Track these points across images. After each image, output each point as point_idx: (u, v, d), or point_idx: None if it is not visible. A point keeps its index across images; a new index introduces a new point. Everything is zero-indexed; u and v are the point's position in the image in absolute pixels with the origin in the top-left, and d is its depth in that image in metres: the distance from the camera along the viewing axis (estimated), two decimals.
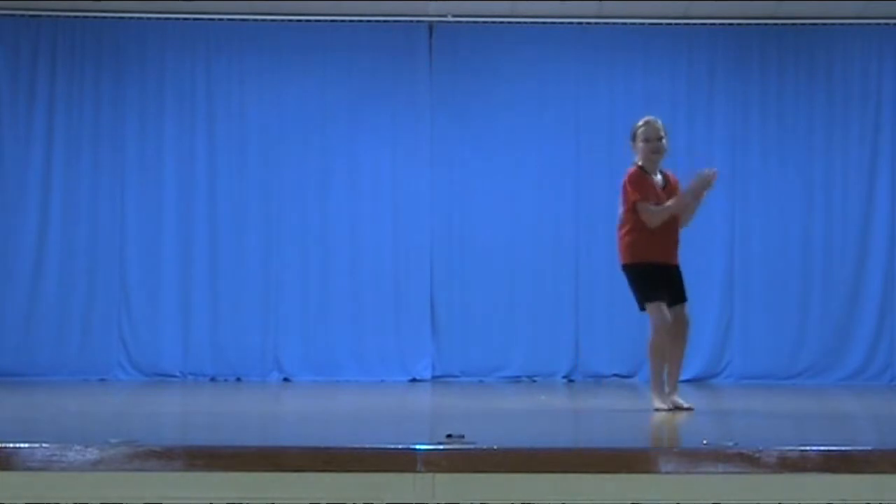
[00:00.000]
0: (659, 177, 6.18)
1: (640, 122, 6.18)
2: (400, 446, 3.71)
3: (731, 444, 3.80)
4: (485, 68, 9.15)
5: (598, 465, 3.67)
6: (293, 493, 3.64)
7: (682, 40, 9.22)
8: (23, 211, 8.99)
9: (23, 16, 9.06)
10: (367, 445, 3.78)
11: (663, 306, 6.02)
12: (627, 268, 6.19)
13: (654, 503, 3.65)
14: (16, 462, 3.66)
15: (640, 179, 6.11)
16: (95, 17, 9.08)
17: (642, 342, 8.97)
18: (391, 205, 9.09)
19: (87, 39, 9.11)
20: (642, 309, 6.12)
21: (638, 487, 3.66)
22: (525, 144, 9.13)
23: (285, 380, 8.95)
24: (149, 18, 9.09)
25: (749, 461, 3.67)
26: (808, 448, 3.73)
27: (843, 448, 3.76)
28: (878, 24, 9.14)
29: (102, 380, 8.79)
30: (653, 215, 6.02)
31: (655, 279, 6.08)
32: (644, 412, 6.57)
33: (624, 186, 6.12)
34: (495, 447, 3.73)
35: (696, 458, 3.69)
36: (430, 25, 9.18)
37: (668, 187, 6.17)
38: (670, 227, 6.12)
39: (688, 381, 8.96)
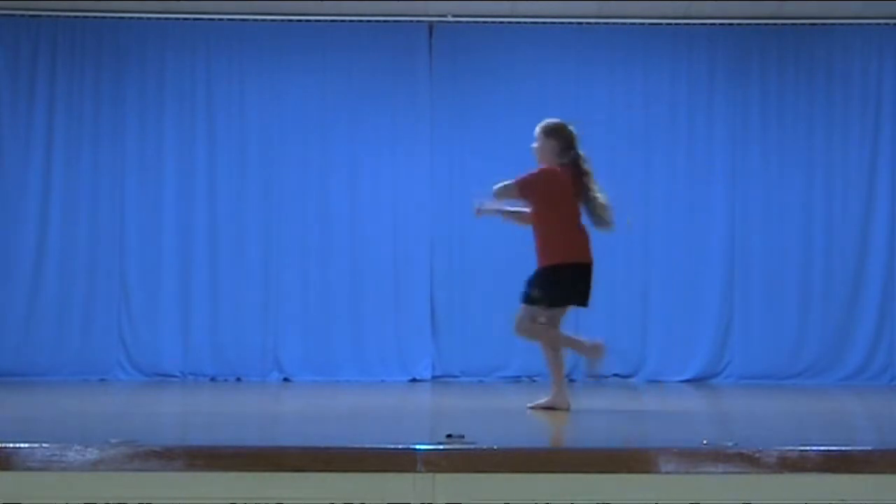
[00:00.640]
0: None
1: (566, 123, 6.30)
2: (400, 446, 3.71)
3: (730, 444, 3.80)
4: (485, 68, 9.15)
5: (598, 465, 3.67)
6: (293, 493, 3.64)
7: (682, 40, 9.22)
8: (23, 211, 8.99)
9: (23, 16, 9.06)
10: (367, 445, 3.78)
11: (561, 311, 6.30)
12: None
13: (653, 503, 3.65)
14: (16, 462, 3.66)
15: (552, 176, 6.30)
16: (95, 17, 9.08)
17: (642, 342, 9.07)
18: (391, 205, 9.09)
19: (87, 39, 9.11)
20: (531, 303, 6.18)
21: (638, 487, 3.66)
22: (525, 145, 9.06)
23: (285, 380, 8.95)
24: (149, 18, 9.08)
25: (749, 461, 3.67)
26: (807, 448, 3.73)
27: (842, 448, 3.76)
28: (879, 24, 9.14)
29: (102, 380, 8.79)
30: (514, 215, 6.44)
31: (571, 282, 6.28)
32: (644, 412, 6.58)
33: None
34: (495, 447, 3.73)
35: (696, 458, 3.69)
36: (430, 25, 9.18)
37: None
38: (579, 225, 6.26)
39: (688, 381, 8.98)
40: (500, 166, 9.06)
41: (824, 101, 9.18)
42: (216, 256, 9.06)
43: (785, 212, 9.12)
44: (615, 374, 9.03)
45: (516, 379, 8.97)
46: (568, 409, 6.02)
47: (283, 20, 9.12)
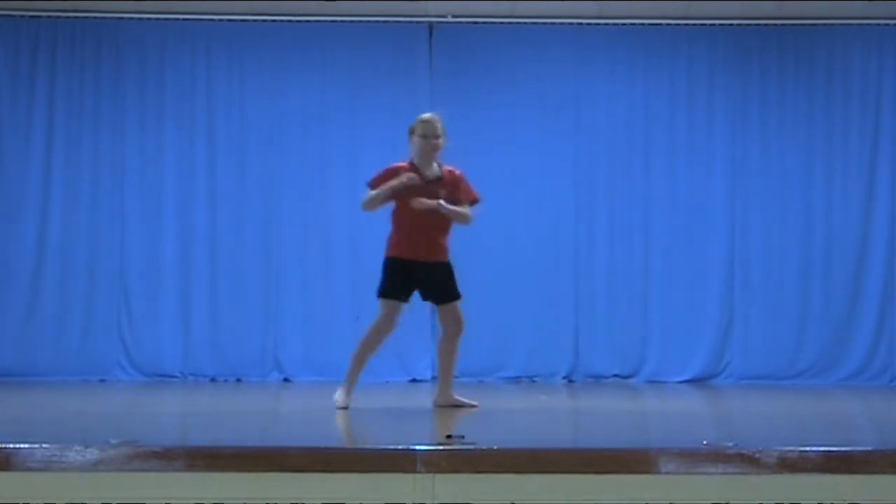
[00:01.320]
0: (435, 171, 6.25)
1: (424, 117, 6.26)
2: (400, 447, 3.71)
3: (730, 444, 3.80)
4: (485, 68, 9.14)
5: (598, 466, 3.67)
6: (293, 493, 3.64)
7: (682, 40, 9.21)
8: (23, 211, 8.98)
9: (23, 16, 9.06)
10: (367, 446, 3.79)
11: (391, 304, 6.12)
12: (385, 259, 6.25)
13: (653, 503, 3.65)
14: (16, 462, 3.67)
15: (387, 170, 6.23)
16: (95, 17, 9.08)
17: (642, 343, 9.07)
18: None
19: (87, 39, 9.11)
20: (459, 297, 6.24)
21: (638, 487, 3.66)
22: (525, 144, 9.13)
23: (285, 380, 8.95)
24: (149, 18, 9.08)
25: (749, 461, 3.67)
26: (807, 449, 3.74)
27: (842, 449, 3.77)
28: (879, 24, 9.14)
29: (102, 380, 8.78)
30: (371, 198, 6.19)
31: (394, 275, 6.16)
32: (644, 413, 6.57)
33: None
34: (495, 447, 3.74)
35: (696, 458, 3.69)
36: (430, 25, 9.18)
37: (442, 182, 6.22)
38: (424, 226, 6.13)
39: (688, 381, 8.98)
40: (500, 166, 9.12)
41: (824, 101, 9.17)
42: (216, 256, 9.06)
43: (785, 212, 9.12)
44: (615, 375, 9.03)
45: (516, 379, 8.96)
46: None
47: (283, 20, 9.12)
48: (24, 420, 5.63)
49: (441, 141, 6.23)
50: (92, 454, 3.67)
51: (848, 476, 3.67)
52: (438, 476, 3.64)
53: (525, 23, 9.14)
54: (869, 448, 3.80)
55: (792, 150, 9.15)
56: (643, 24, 9.17)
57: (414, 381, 8.90)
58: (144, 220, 9.05)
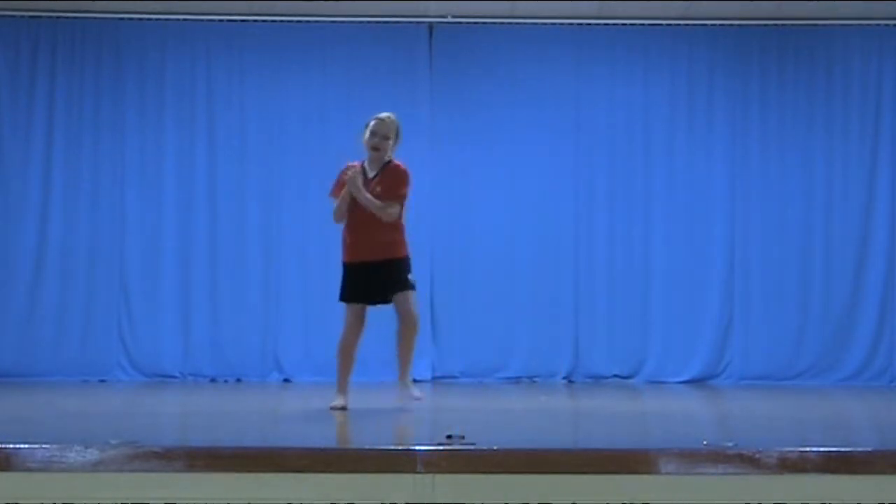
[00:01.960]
0: (376, 167, 6.28)
1: (381, 115, 6.32)
2: (400, 447, 3.71)
3: (730, 444, 3.80)
4: (485, 69, 9.14)
5: (598, 466, 3.67)
6: (293, 493, 3.64)
7: (682, 40, 9.21)
8: (23, 211, 8.98)
9: (23, 16, 9.06)
10: (366, 446, 3.78)
11: (350, 307, 6.22)
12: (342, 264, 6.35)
13: (653, 503, 3.65)
14: (16, 463, 3.67)
15: (341, 172, 6.30)
16: (95, 18, 9.08)
17: (642, 343, 9.07)
18: None
19: (87, 39, 9.11)
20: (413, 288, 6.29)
21: (638, 488, 3.66)
22: (525, 145, 9.14)
23: (285, 380, 8.95)
24: (149, 18, 9.08)
25: (749, 462, 3.67)
26: (807, 449, 3.74)
27: (842, 449, 3.77)
28: (879, 24, 9.14)
29: (102, 380, 8.78)
30: (334, 210, 6.27)
31: (349, 278, 6.27)
32: (644, 413, 6.57)
33: None
34: (495, 448, 3.74)
35: (696, 458, 3.69)
36: (430, 26, 9.18)
37: (379, 178, 6.24)
38: (364, 226, 6.17)
39: (688, 381, 8.98)
40: (500, 166, 9.12)
41: (824, 101, 9.18)
42: (216, 257, 9.06)
43: (785, 212, 9.12)
44: (615, 375, 9.03)
45: (516, 380, 8.96)
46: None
47: (283, 20, 9.12)
48: (25, 420, 5.63)
49: (388, 143, 6.25)
50: (92, 454, 3.67)
51: (848, 476, 3.67)
52: (438, 476, 3.64)
53: (525, 23, 9.14)
54: (869, 449, 3.80)
55: (792, 151, 9.16)
56: (643, 24, 9.17)
57: (413, 381, 8.87)
58: (144, 220, 9.05)
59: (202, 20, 9.13)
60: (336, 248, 8.98)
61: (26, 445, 3.71)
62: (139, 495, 3.64)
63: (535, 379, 8.98)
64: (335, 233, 9.01)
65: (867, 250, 9.06)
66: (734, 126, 9.18)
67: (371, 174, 6.25)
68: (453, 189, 9.06)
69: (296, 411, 6.62)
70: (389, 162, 6.31)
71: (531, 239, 9.12)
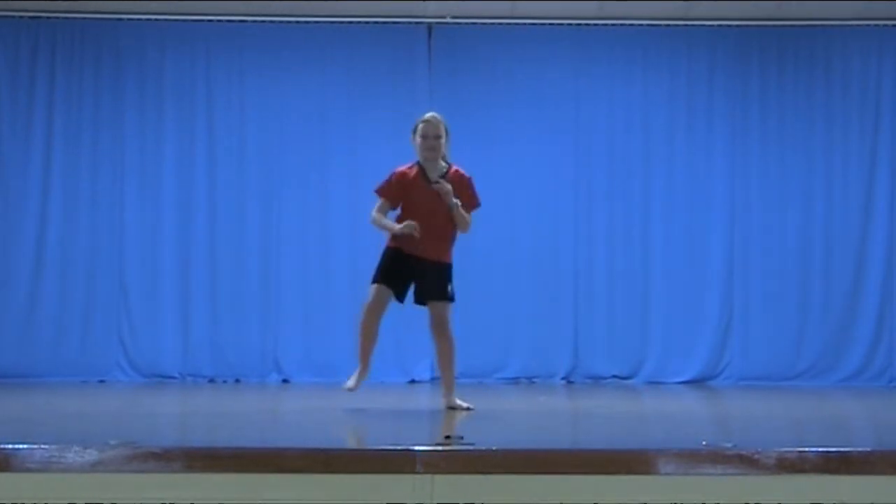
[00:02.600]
0: (440, 170, 6.20)
1: (426, 116, 6.24)
2: (399, 447, 3.71)
3: (730, 445, 3.80)
4: (484, 69, 9.14)
5: (598, 466, 3.67)
6: (292, 494, 3.64)
7: (682, 40, 9.22)
8: (22, 211, 8.99)
9: (23, 16, 9.06)
10: (366, 446, 3.78)
11: (378, 288, 6.13)
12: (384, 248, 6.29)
13: None
14: (15, 463, 3.67)
15: (390, 176, 6.25)
16: (95, 18, 9.08)
17: (642, 343, 9.07)
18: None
19: (87, 39, 9.12)
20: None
21: (637, 488, 3.66)
22: (524, 145, 9.14)
23: (284, 381, 8.95)
24: (149, 18, 9.08)
25: (748, 462, 3.67)
26: (806, 449, 3.74)
27: (841, 449, 3.76)
28: (878, 24, 9.14)
29: (101, 381, 8.78)
30: (373, 220, 6.23)
31: (388, 263, 6.17)
32: (644, 414, 6.57)
33: None
34: (494, 448, 3.74)
35: (696, 459, 3.69)
36: (430, 26, 9.18)
37: (445, 182, 6.16)
38: (428, 226, 6.09)
39: (687, 382, 8.98)
40: (499, 166, 9.12)
41: (824, 101, 9.18)
42: (215, 257, 9.06)
43: (785, 212, 9.12)
44: (614, 376, 9.03)
45: (515, 380, 8.97)
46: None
47: (283, 20, 9.12)
48: (24, 421, 5.63)
49: (441, 141, 6.19)
50: (91, 455, 3.67)
51: (847, 477, 3.67)
52: (437, 477, 3.64)
53: (525, 23, 9.14)
54: (868, 449, 3.80)
55: (792, 151, 9.16)
56: (643, 25, 9.17)
57: (413, 381, 8.90)
58: (144, 220, 9.05)
59: (202, 20, 9.13)
60: (336, 248, 9.08)
61: (26, 446, 3.70)
62: (138, 496, 3.64)
63: (535, 379, 8.98)
64: (335, 233, 9.09)
65: (867, 251, 9.07)
66: (734, 126, 9.18)
67: (432, 177, 6.17)
68: None
69: (295, 412, 6.62)
70: (450, 167, 6.24)
71: (530, 239, 9.12)
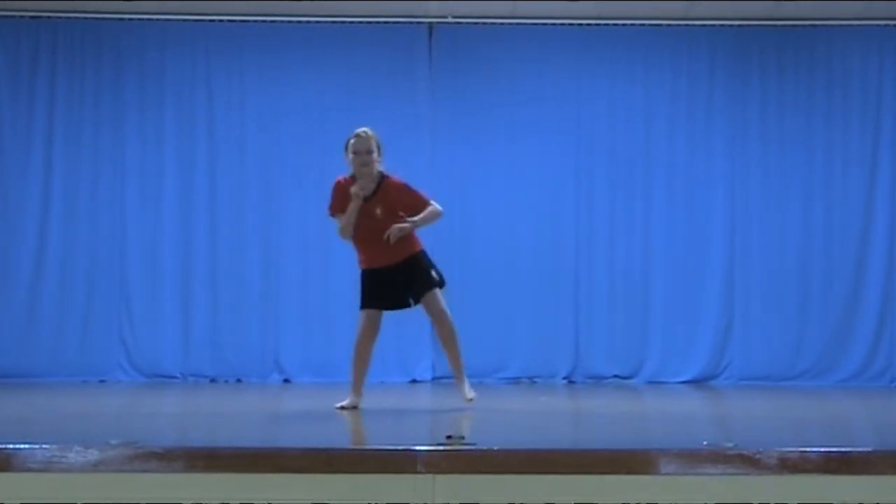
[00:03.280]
0: (370, 188, 6.17)
1: (356, 132, 6.21)
2: (400, 447, 3.71)
3: (730, 445, 3.80)
4: (485, 69, 9.14)
5: (598, 466, 3.67)
6: (293, 494, 3.64)
7: (682, 40, 9.22)
8: (23, 211, 8.99)
9: (23, 16, 9.06)
10: (367, 446, 3.78)
11: (367, 314, 6.20)
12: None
13: None
14: (16, 463, 3.67)
15: (334, 190, 6.25)
16: (95, 18, 9.08)
17: (642, 343, 9.07)
18: None
19: (87, 39, 9.12)
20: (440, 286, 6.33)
21: (638, 488, 3.66)
22: (525, 145, 9.14)
23: (285, 381, 8.95)
24: (149, 18, 9.09)
25: (749, 462, 3.67)
26: (807, 449, 3.74)
27: (842, 450, 3.76)
28: (879, 24, 9.14)
29: (102, 381, 8.78)
30: (340, 229, 6.22)
31: (368, 286, 6.24)
32: (644, 413, 6.57)
33: None
34: (495, 448, 3.74)
35: (696, 459, 3.69)
36: (430, 26, 9.18)
37: (377, 198, 6.16)
38: (373, 235, 6.14)
39: (688, 382, 8.98)
40: (500, 166, 9.13)
41: (824, 101, 9.18)
42: (216, 257, 9.06)
43: (785, 213, 9.12)
44: (615, 376, 9.03)
45: (516, 380, 8.97)
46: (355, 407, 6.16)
47: (283, 20, 9.12)
48: (25, 421, 5.63)
49: (373, 156, 6.16)
50: (92, 455, 3.67)
51: (848, 477, 3.67)
52: (438, 476, 3.64)
53: (525, 23, 9.14)
54: (868, 449, 3.80)
55: (792, 151, 9.16)
56: (643, 25, 9.17)
57: (414, 381, 8.90)
58: (144, 220, 9.05)
59: (202, 20, 9.13)
60: (336, 247, 9.06)
61: (26, 446, 3.71)
62: (139, 496, 3.64)
63: (535, 379, 8.98)
64: (335, 234, 9.06)
65: (867, 251, 9.07)
66: (734, 126, 9.18)
67: (368, 193, 6.17)
68: (453, 189, 9.04)
69: (296, 412, 6.62)
70: (384, 178, 6.23)
71: (531, 239, 9.12)
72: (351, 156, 6.20)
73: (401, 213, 6.17)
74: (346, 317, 8.96)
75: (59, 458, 3.66)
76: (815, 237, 9.10)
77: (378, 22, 9.13)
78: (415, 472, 3.64)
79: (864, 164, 9.12)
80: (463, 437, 3.96)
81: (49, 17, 9.08)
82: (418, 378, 8.94)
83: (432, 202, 6.30)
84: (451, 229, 9.04)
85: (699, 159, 9.19)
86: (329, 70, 9.16)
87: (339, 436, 5.17)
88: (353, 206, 6.10)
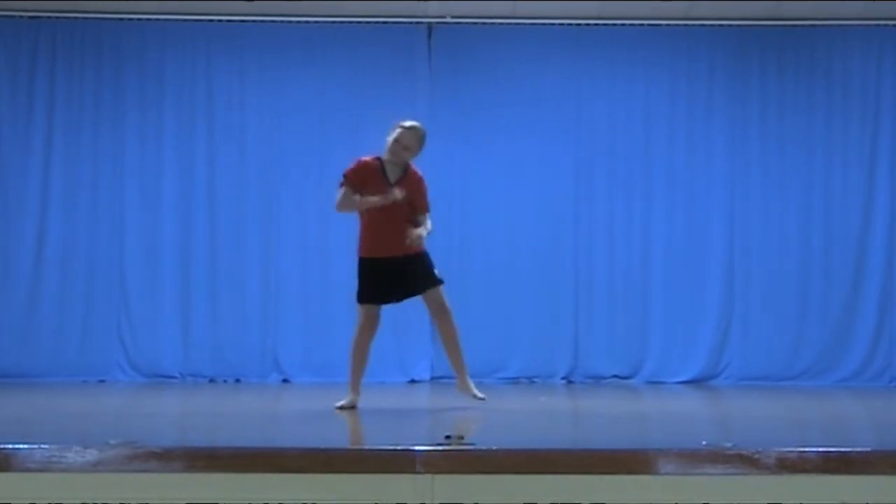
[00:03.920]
0: (398, 173, 6.21)
1: (406, 124, 6.23)
2: (399, 447, 3.71)
3: (730, 445, 3.80)
4: (484, 69, 9.14)
5: (598, 466, 3.67)
6: (293, 494, 3.64)
7: (682, 41, 9.22)
8: (22, 211, 8.99)
9: (23, 16, 9.07)
10: (366, 446, 3.78)
11: (366, 308, 6.15)
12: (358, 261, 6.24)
13: None
14: (15, 463, 3.67)
15: (357, 165, 6.23)
16: (95, 18, 9.08)
17: (642, 343, 9.07)
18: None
19: (87, 39, 9.12)
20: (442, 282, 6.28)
21: (637, 488, 3.66)
22: (525, 145, 9.14)
23: (284, 381, 8.95)
24: (149, 18, 9.09)
25: (748, 462, 3.67)
26: (806, 449, 3.74)
27: (841, 449, 3.77)
28: (879, 24, 9.14)
29: (102, 381, 8.78)
30: (342, 202, 6.17)
31: (367, 279, 6.16)
32: (644, 413, 6.57)
33: None
34: (494, 448, 3.74)
35: (696, 458, 3.69)
36: (430, 26, 9.18)
37: (402, 183, 6.17)
38: (388, 221, 6.11)
39: (687, 381, 8.98)
40: (500, 166, 9.13)
41: (824, 101, 9.18)
42: (215, 257, 9.06)
43: (784, 213, 9.12)
44: (615, 376, 9.03)
45: (515, 380, 8.97)
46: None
47: (283, 20, 9.12)
48: (24, 421, 5.63)
49: (408, 154, 6.19)
50: (91, 455, 3.67)
51: (847, 477, 3.67)
52: (438, 476, 3.64)
53: (525, 23, 9.15)
54: (868, 449, 3.80)
55: (791, 151, 9.16)
56: (643, 25, 9.17)
57: (413, 381, 8.90)
58: (144, 220, 9.05)
59: (202, 20, 9.14)
60: (336, 247, 9.08)
61: (26, 446, 3.71)
62: (138, 496, 3.64)
63: (535, 379, 8.98)
64: (335, 234, 9.08)
65: (867, 250, 9.07)
66: (734, 126, 9.18)
67: (392, 177, 6.18)
68: (453, 189, 9.05)
69: (295, 411, 6.62)
70: (408, 167, 6.26)
71: (531, 239, 9.12)
72: (392, 140, 6.17)
73: (411, 204, 6.17)
74: (345, 316, 8.95)
75: (58, 458, 3.66)
76: (815, 237, 9.10)
77: (378, 22, 9.13)
78: (414, 472, 3.64)
79: (864, 164, 9.12)
80: (462, 437, 3.96)
81: (49, 17, 9.08)
82: (417, 378, 8.94)
83: (429, 212, 6.31)
84: (450, 228, 9.05)
85: (699, 159, 9.19)
86: (329, 70, 9.16)
87: (338, 436, 5.18)
88: (377, 200, 6.04)
